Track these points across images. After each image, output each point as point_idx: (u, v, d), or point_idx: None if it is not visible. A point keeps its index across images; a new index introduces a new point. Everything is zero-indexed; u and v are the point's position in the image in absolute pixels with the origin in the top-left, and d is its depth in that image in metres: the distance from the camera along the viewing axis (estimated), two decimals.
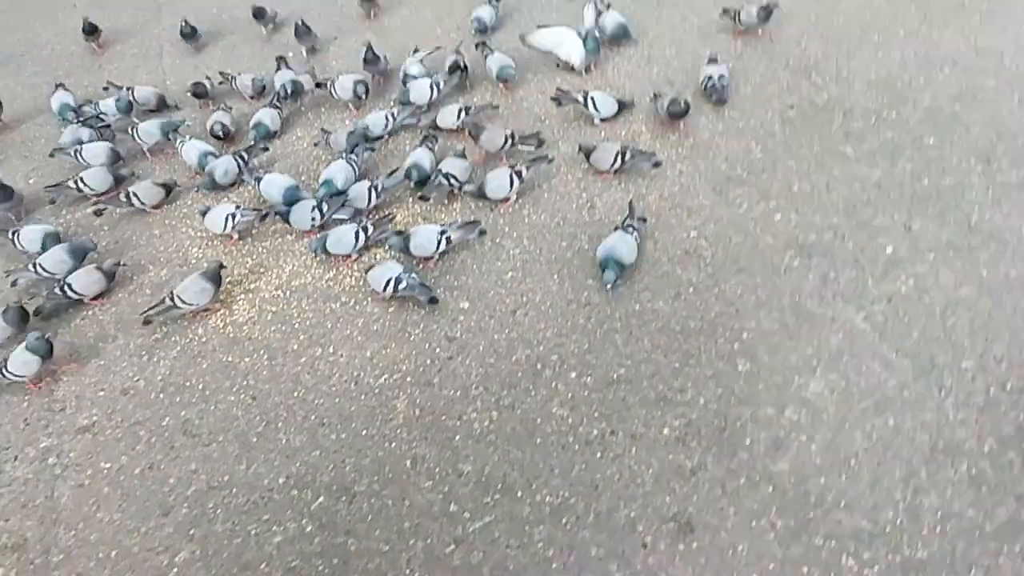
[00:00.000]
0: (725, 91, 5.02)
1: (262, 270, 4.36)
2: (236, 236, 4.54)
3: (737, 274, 3.88)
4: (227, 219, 4.47)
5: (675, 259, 4.04)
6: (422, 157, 4.62)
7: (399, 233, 4.22)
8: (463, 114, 5.03)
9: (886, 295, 3.70)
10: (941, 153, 4.34)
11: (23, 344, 3.82)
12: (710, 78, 5.03)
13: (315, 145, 5.12)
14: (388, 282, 3.97)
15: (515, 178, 4.46)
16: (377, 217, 4.51)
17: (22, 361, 3.79)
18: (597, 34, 5.53)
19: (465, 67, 5.46)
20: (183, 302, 4.04)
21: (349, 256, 4.31)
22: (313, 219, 4.44)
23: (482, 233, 4.33)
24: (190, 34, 6.32)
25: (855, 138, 4.55)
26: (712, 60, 5.16)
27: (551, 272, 4.07)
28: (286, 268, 4.33)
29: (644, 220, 4.17)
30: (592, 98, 4.92)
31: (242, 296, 4.23)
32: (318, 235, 4.38)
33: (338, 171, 4.59)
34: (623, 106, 5.00)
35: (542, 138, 4.84)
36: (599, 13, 5.71)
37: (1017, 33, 5.08)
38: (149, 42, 6.70)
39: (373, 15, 6.53)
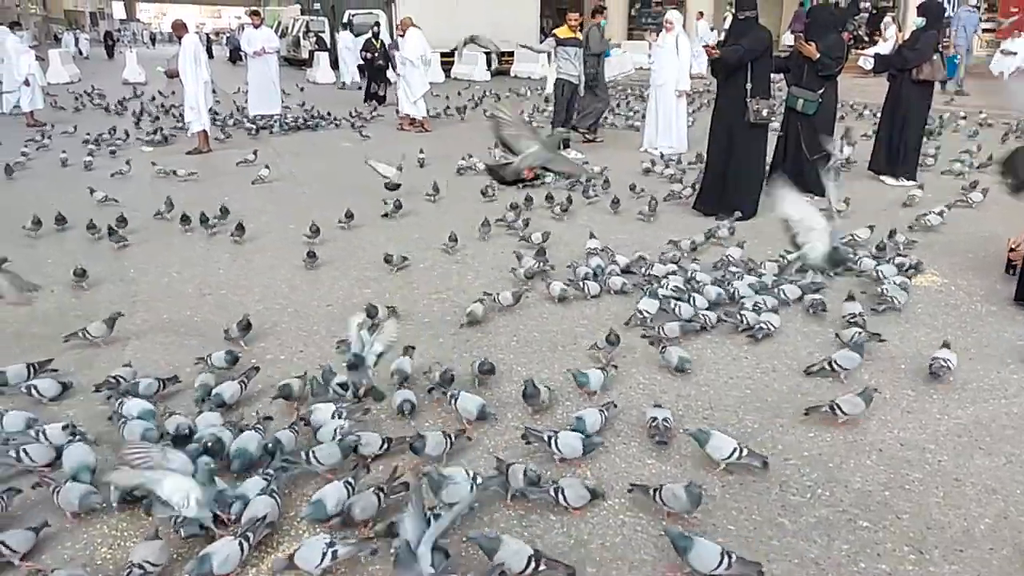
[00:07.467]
0: (668, 433, 5.21)
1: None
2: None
3: None
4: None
5: None
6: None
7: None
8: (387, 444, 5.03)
9: None
10: (875, 537, 4.41)
11: None
12: (655, 419, 5.24)
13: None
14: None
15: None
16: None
17: None
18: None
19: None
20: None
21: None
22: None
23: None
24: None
25: (792, 511, 4.63)
26: (657, 404, 5.41)
27: None
28: None
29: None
30: (562, 489, 4.53)
31: None
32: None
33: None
34: (595, 495, 4.67)
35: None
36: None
37: (936, 431, 5.47)
38: None
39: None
